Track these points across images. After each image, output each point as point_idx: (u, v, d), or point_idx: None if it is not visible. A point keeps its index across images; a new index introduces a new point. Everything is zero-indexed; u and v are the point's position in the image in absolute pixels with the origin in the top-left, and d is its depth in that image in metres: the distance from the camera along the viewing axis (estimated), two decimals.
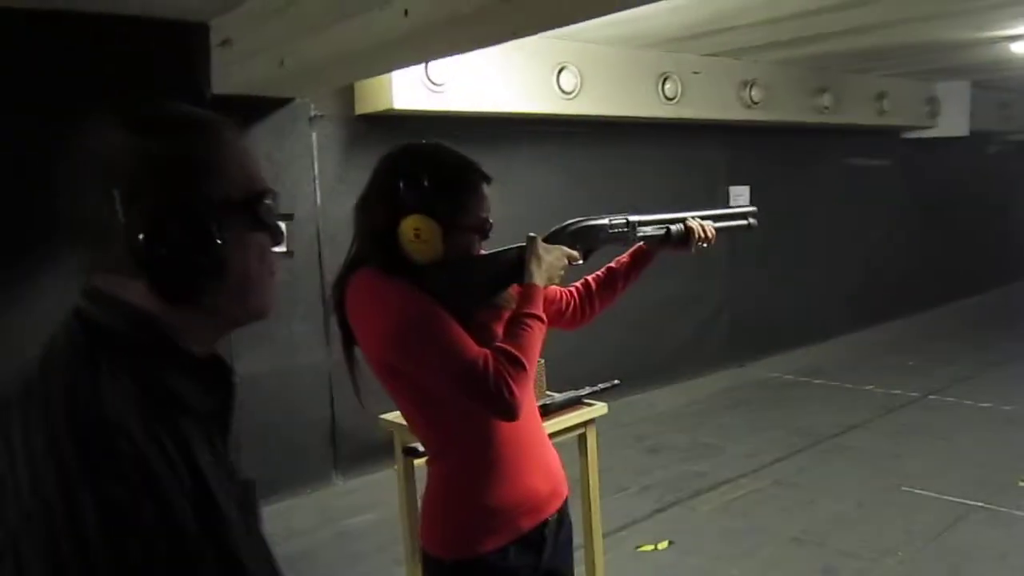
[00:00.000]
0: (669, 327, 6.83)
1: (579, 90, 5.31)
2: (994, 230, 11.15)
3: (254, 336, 4.58)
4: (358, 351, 1.68)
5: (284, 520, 4.42)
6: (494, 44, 3.72)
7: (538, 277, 1.69)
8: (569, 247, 1.79)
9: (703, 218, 1.99)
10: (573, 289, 2.02)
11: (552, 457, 1.84)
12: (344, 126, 4.91)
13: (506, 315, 1.69)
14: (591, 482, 2.92)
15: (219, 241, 0.88)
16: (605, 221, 1.87)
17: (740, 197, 7.16)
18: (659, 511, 4.30)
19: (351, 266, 1.66)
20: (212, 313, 0.93)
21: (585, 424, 2.87)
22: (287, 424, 4.72)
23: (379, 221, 1.61)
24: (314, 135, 4.80)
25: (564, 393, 2.85)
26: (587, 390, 2.88)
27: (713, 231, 2.00)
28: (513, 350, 1.56)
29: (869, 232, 8.84)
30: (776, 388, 6.74)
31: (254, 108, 4.50)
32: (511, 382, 1.52)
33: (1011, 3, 4.68)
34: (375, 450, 4.57)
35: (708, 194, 7.01)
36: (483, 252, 1.74)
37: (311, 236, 4.65)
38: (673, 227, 1.95)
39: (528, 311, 1.64)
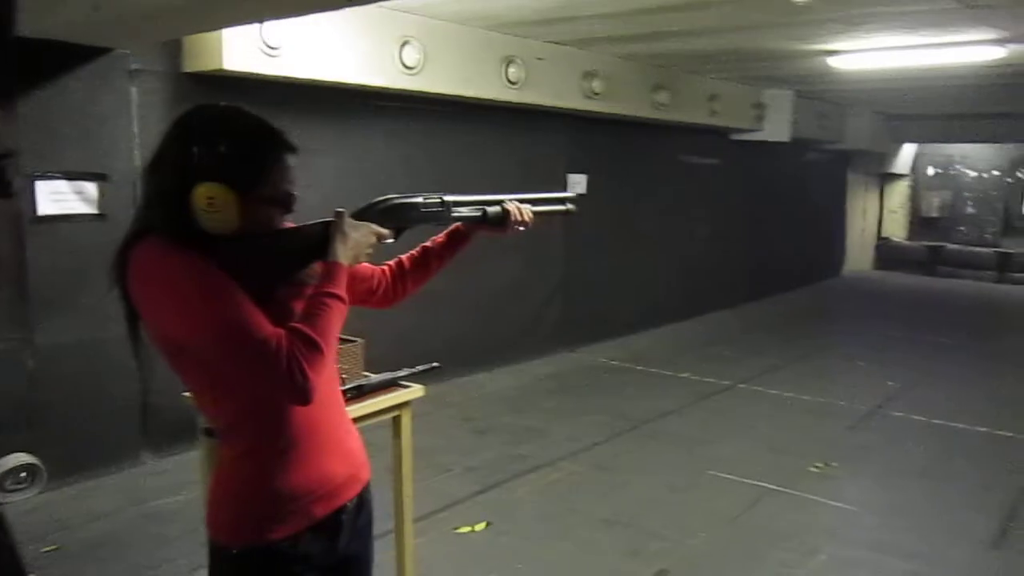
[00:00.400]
0: (503, 311, 6.91)
1: (422, 66, 5.23)
2: (809, 231, 12.01)
3: (58, 305, 4.26)
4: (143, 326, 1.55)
5: (85, 502, 4.17)
6: (328, 9, 3.59)
7: (342, 255, 1.60)
8: (380, 225, 1.72)
9: (521, 201, 1.96)
10: (386, 267, 1.96)
11: (353, 441, 1.77)
12: (169, 83, 4.61)
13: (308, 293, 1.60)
14: (404, 466, 2.88)
15: None
16: (419, 199, 1.80)
17: (578, 185, 7.32)
18: (480, 493, 4.32)
19: (135, 234, 1.51)
20: None
21: (400, 406, 2.82)
22: (92, 399, 4.42)
23: (169, 186, 1.48)
24: (134, 90, 4.49)
25: (381, 374, 2.79)
26: (404, 372, 2.83)
27: (531, 214, 1.96)
28: (309, 331, 1.47)
29: (697, 226, 9.29)
30: (603, 373, 6.95)
31: (67, 56, 4.15)
32: (304, 364, 1.44)
33: (829, 19, 5.00)
34: (189, 427, 4.35)
35: (547, 180, 7.10)
36: (288, 227, 1.64)
37: (127, 198, 4.33)
38: (490, 208, 1.90)
39: (328, 290, 1.55)
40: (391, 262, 1.97)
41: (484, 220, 1.91)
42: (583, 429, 5.37)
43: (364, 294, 1.90)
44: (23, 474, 4.13)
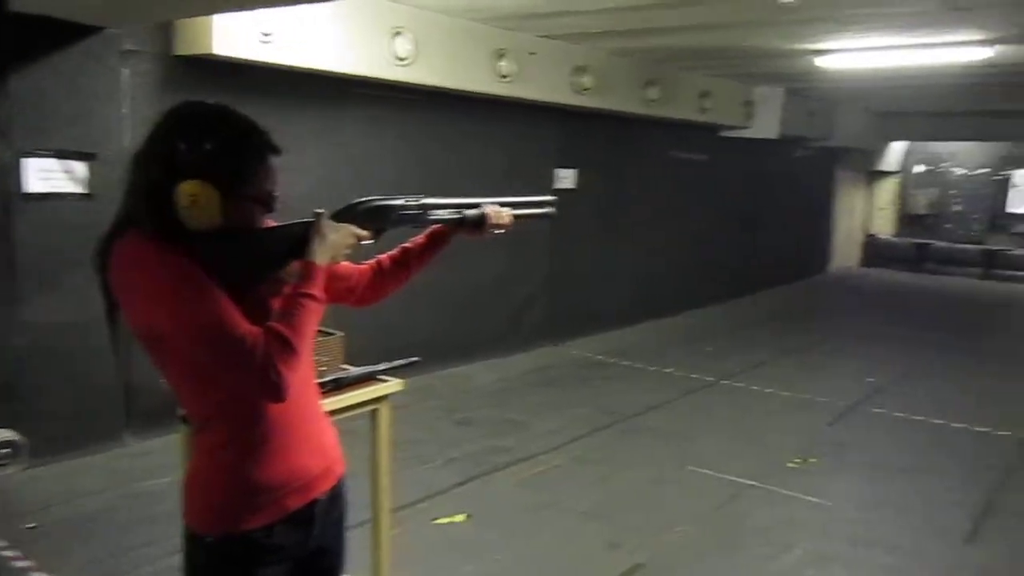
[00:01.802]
0: (488, 305, 6.94)
1: (414, 57, 5.23)
2: (797, 228, 12.06)
3: (46, 283, 4.27)
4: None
5: (68, 481, 4.18)
6: (318, 0, 3.59)
7: (320, 255, 1.63)
8: (359, 226, 1.74)
9: (501, 204, 1.97)
10: (366, 267, 1.98)
11: (328, 435, 1.81)
12: (161, 65, 4.62)
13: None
14: (381, 458, 2.91)
15: None
16: (399, 201, 1.83)
17: (566, 179, 7.34)
18: (460, 484, 4.36)
19: (118, 226, 1.54)
20: None
21: (379, 400, 2.84)
22: (77, 379, 4.44)
23: (153, 181, 1.50)
24: (125, 71, 4.49)
25: (360, 368, 2.81)
26: (384, 365, 2.85)
27: (510, 218, 1.98)
28: (284, 330, 1.50)
29: (685, 222, 9.32)
30: (587, 368, 6.99)
31: (59, 33, 4.15)
32: (279, 363, 1.47)
33: (817, 19, 5.04)
34: (172, 411, 4.35)
35: (536, 174, 7.14)
36: (269, 226, 1.67)
37: (115, 178, 4.30)
38: (468, 211, 1.92)
39: (304, 290, 1.58)
40: (371, 261, 1.99)
41: (462, 222, 1.93)
42: (566, 423, 5.41)
43: (343, 293, 1.92)
44: (6, 449, 4.14)
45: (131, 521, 3.77)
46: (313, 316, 1.57)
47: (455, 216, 1.92)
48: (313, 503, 1.71)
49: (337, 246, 1.67)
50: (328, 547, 1.81)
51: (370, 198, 1.80)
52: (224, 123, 1.57)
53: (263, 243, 1.63)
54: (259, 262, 1.61)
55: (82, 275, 4.40)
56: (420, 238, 2.00)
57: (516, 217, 2.01)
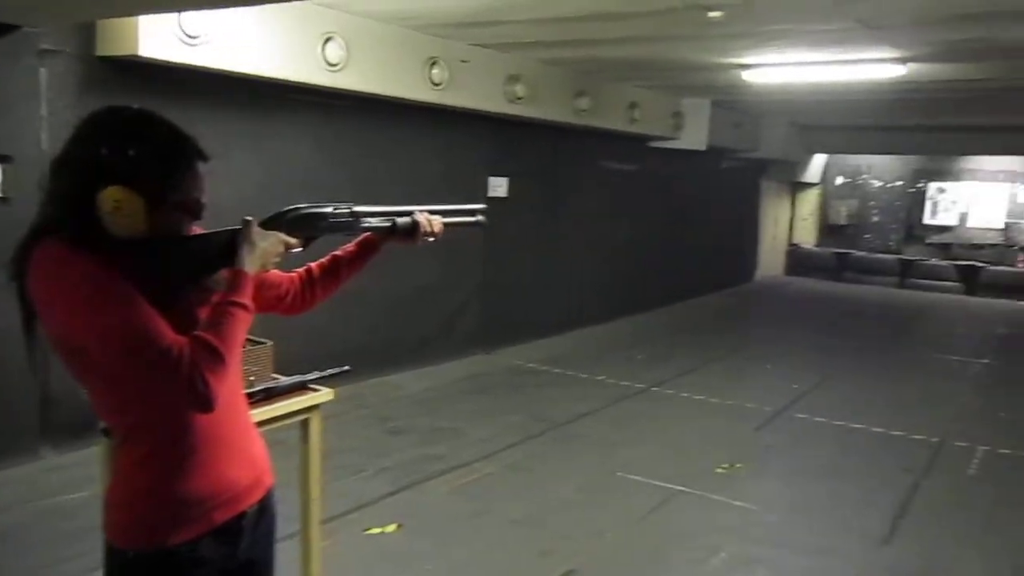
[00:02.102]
0: (421, 312, 6.91)
1: (345, 63, 5.19)
2: (724, 237, 12.34)
3: None
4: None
5: None
6: (247, 4, 3.54)
7: (249, 263, 1.60)
8: (288, 234, 1.72)
9: (432, 212, 1.98)
10: (295, 275, 1.96)
11: (257, 446, 1.78)
12: (81, 66, 4.49)
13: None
14: (312, 469, 2.87)
15: None
16: (328, 209, 1.82)
17: (499, 188, 7.38)
18: (392, 494, 4.32)
19: (37, 233, 1.49)
20: None
21: (309, 410, 2.81)
22: None
23: (75, 187, 1.46)
24: (43, 71, 4.34)
25: (291, 377, 2.78)
26: (315, 375, 2.82)
27: (440, 226, 1.99)
28: (212, 339, 1.48)
29: (617, 231, 9.45)
30: (519, 375, 7.02)
31: None
32: (206, 373, 1.44)
33: (744, 34, 5.18)
34: (91, 423, 4.22)
35: (468, 182, 7.16)
36: (196, 234, 1.64)
37: (31, 182, 4.15)
38: (399, 219, 1.93)
39: (233, 299, 1.55)
40: (300, 269, 1.97)
41: (393, 230, 1.93)
42: (498, 430, 5.42)
43: (273, 301, 1.90)
44: None
45: (48, 537, 3.63)
46: (242, 325, 1.55)
47: (386, 224, 1.92)
48: (241, 516, 1.68)
49: (266, 254, 1.65)
50: (257, 560, 1.79)
51: (299, 206, 1.78)
52: (149, 128, 1.54)
53: (189, 251, 1.60)
54: (185, 270, 1.58)
55: None
56: (350, 246, 1.99)
57: (447, 225, 2.02)
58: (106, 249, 1.46)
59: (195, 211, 1.59)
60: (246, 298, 1.57)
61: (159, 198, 1.50)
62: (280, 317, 1.97)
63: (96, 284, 1.43)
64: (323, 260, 1.98)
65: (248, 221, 1.65)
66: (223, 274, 1.62)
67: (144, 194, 1.47)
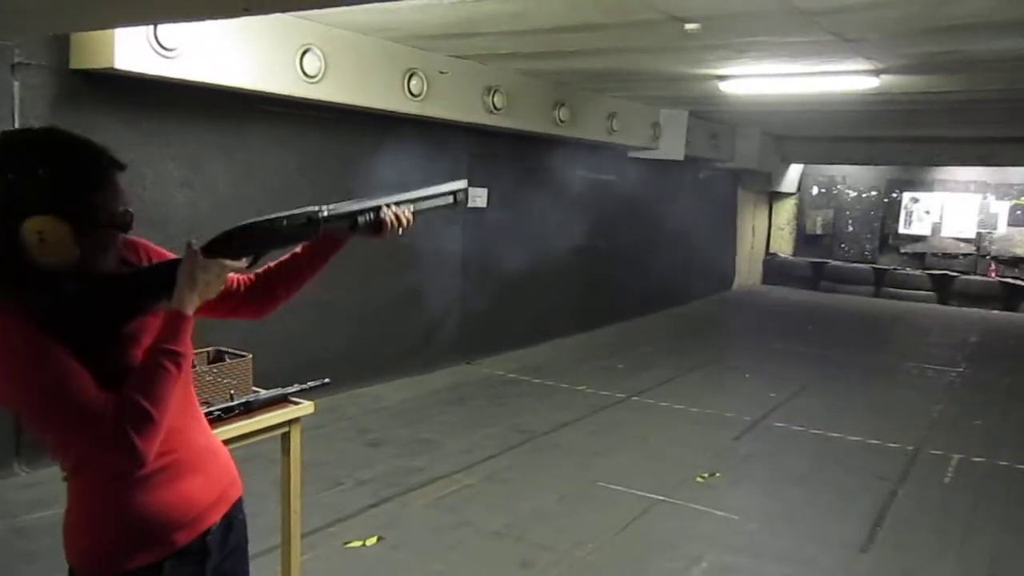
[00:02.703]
0: (399, 323, 6.89)
1: (323, 75, 5.18)
2: (702, 246, 12.41)
3: None
4: None
5: None
6: (224, 16, 3.51)
7: (187, 301, 1.51)
8: (237, 254, 1.62)
9: (405, 201, 1.86)
10: (253, 276, 1.85)
11: (219, 460, 1.73)
12: (56, 79, 4.45)
13: (155, 324, 1.53)
14: (292, 482, 2.85)
15: None
16: (283, 222, 1.68)
17: (478, 198, 7.39)
18: (372, 506, 4.30)
19: None
20: None
21: (290, 423, 2.79)
22: None
23: None
24: (16, 84, 4.30)
25: (270, 390, 2.76)
26: (295, 388, 2.80)
27: (409, 216, 1.85)
28: (141, 399, 1.41)
29: (595, 241, 9.48)
30: (499, 386, 7.01)
31: None
32: (133, 435, 1.39)
33: (720, 46, 5.23)
34: None
35: None
36: (132, 270, 1.58)
37: None
38: (360, 219, 1.78)
39: (168, 347, 1.48)
40: (258, 270, 1.86)
41: (355, 229, 1.80)
42: (478, 442, 5.41)
43: (232, 307, 1.81)
44: None
45: (15, 556, 3.57)
46: (174, 379, 1.48)
47: (346, 224, 1.78)
48: (205, 534, 1.64)
49: (209, 286, 1.56)
50: (229, 574, 1.76)
51: (250, 221, 1.66)
52: (56, 148, 1.45)
53: (125, 288, 1.53)
54: (120, 312, 1.51)
55: None
56: (308, 243, 1.84)
57: (419, 212, 1.90)
58: (30, 295, 1.39)
59: (123, 224, 1.52)
60: (182, 345, 1.50)
61: (84, 220, 1.42)
62: (255, 324, 1.90)
63: (11, 343, 1.38)
64: (283, 259, 1.85)
65: (192, 251, 1.55)
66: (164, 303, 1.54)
67: (68, 218, 1.39)
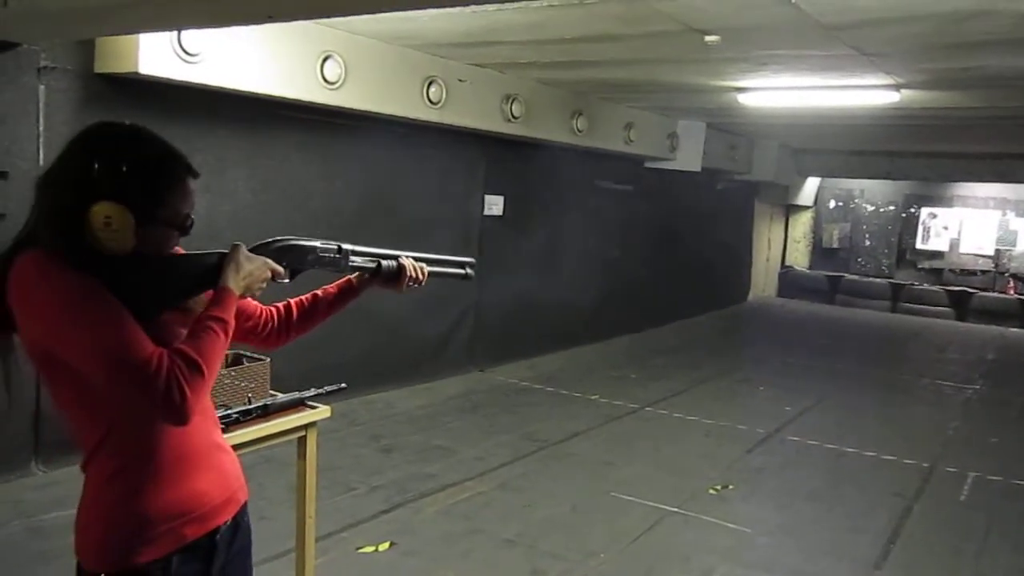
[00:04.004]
0: (414, 329, 6.90)
1: (343, 81, 5.22)
2: (717, 258, 12.38)
3: None
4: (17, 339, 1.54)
5: None
6: (248, 24, 3.56)
7: (233, 282, 1.62)
8: (277, 259, 1.74)
9: (420, 259, 1.99)
10: (273, 309, 1.95)
11: (229, 462, 1.77)
12: (81, 83, 4.49)
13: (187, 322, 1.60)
14: (308, 486, 2.87)
15: None
16: (316, 244, 1.83)
17: (494, 206, 7.40)
18: (385, 512, 4.31)
19: (19, 245, 1.50)
20: None
21: (306, 427, 2.81)
22: None
23: (65, 202, 1.47)
24: (42, 88, 4.35)
25: (287, 394, 2.78)
26: (312, 392, 2.82)
27: (425, 273, 2.00)
28: (192, 352, 1.48)
29: (610, 251, 9.48)
30: (512, 394, 7.01)
31: None
32: (184, 385, 1.44)
33: (739, 59, 5.23)
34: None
35: (465, 200, 7.19)
36: (182, 252, 1.66)
37: (28, 197, 4.17)
38: (384, 262, 1.92)
39: (216, 314, 1.56)
40: (280, 304, 1.96)
41: (378, 273, 1.93)
42: (490, 449, 5.41)
43: (247, 332, 1.90)
44: None
45: (30, 557, 3.59)
46: (222, 342, 1.55)
47: (371, 265, 1.91)
48: (215, 532, 1.67)
49: (253, 277, 1.67)
50: None
51: (287, 237, 1.80)
52: (140, 144, 1.56)
53: (176, 269, 1.61)
54: (172, 289, 1.59)
55: None
56: (331, 288, 1.99)
57: (433, 274, 2.03)
58: (90, 264, 1.46)
59: (184, 227, 1.60)
60: (229, 315, 1.58)
61: (149, 214, 1.51)
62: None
63: (76, 292, 1.44)
64: (303, 298, 1.97)
65: (237, 245, 1.67)
66: (207, 296, 1.63)
67: (134, 210, 1.48)
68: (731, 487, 4.99)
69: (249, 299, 1.77)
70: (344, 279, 1.98)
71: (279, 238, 1.79)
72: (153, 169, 1.53)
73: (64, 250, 1.45)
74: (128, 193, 1.48)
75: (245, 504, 1.80)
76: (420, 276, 1.98)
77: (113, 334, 1.43)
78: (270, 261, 1.72)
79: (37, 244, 1.47)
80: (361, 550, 3.84)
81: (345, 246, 1.87)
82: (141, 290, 1.51)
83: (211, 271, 1.62)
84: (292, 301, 1.97)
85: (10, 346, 1.54)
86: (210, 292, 1.62)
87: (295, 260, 1.79)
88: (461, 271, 2.16)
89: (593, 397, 6.99)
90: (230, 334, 1.58)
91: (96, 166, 1.47)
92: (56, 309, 1.44)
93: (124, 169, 1.48)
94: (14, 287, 1.47)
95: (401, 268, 1.94)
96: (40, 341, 1.48)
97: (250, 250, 1.71)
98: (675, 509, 4.54)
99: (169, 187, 1.55)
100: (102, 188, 1.46)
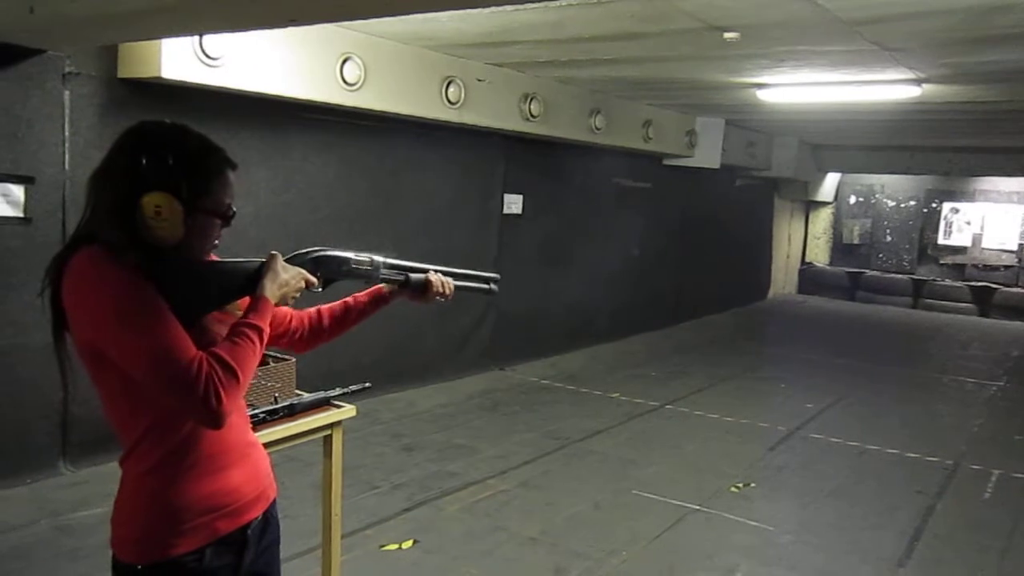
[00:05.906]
0: (434, 328, 6.94)
1: (362, 83, 5.25)
2: (737, 255, 12.33)
3: None
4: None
5: None
6: (269, 27, 3.60)
7: (270, 290, 1.70)
8: (310, 272, 1.82)
9: (447, 274, 2.07)
10: (305, 315, 2.03)
11: (260, 459, 1.83)
12: (104, 88, 4.55)
13: (230, 322, 1.67)
14: (333, 484, 2.89)
15: None
16: (350, 255, 1.92)
17: (514, 205, 7.42)
18: (408, 510, 4.34)
19: (75, 242, 1.57)
20: None
21: (332, 426, 2.84)
22: (8, 406, 4.29)
23: (118, 196, 1.55)
24: (67, 93, 4.41)
25: (313, 393, 2.81)
26: (337, 391, 2.85)
27: (452, 287, 2.07)
28: (229, 359, 1.54)
29: (630, 248, 9.47)
30: (533, 392, 7.03)
31: None
32: (221, 390, 1.50)
33: (758, 55, 5.21)
34: (110, 438, 4.26)
35: (484, 199, 7.21)
36: (224, 260, 1.73)
37: (55, 202, 4.26)
38: (413, 276, 2.01)
39: (252, 321, 1.63)
40: (311, 310, 2.05)
41: (406, 285, 2.01)
42: (512, 447, 5.43)
43: (278, 336, 1.98)
44: None
45: (61, 555, 3.64)
46: (257, 349, 1.62)
47: (399, 278, 2.00)
48: (246, 527, 1.73)
49: (287, 286, 1.75)
50: (262, 573, 1.82)
51: (323, 248, 1.89)
52: (184, 139, 1.64)
53: (218, 274, 1.69)
54: (212, 292, 1.66)
55: (18, 300, 4.33)
56: (363, 297, 2.08)
57: (459, 288, 2.11)
58: (143, 254, 1.53)
59: (226, 216, 1.68)
60: (264, 323, 1.65)
61: (195, 204, 1.59)
62: None
63: (129, 290, 1.50)
64: (334, 305, 2.06)
65: (274, 255, 1.75)
66: (242, 302, 1.70)
67: (181, 200, 1.56)
68: (753, 485, 4.98)
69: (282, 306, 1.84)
70: (375, 288, 2.06)
71: (314, 249, 1.86)
72: (197, 161, 1.61)
73: (118, 241, 1.52)
74: (175, 184, 1.55)
75: (275, 500, 1.85)
76: (447, 291, 2.06)
77: (160, 336, 1.49)
78: (304, 271, 1.80)
79: (92, 240, 1.54)
80: (384, 548, 3.88)
81: (377, 258, 1.96)
82: (185, 291, 1.58)
83: (251, 278, 1.70)
84: (323, 308, 2.06)
85: (65, 341, 1.61)
86: (246, 299, 1.69)
87: (329, 270, 1.88)
88: (486, 286, 2.23)
89: (614, 395, 6.99)
90: (265, 341, 1.65)
91: (144, 160, 1.55)
92: (106, 305, 1.50)
93: (170, 162, 1.56)
94: (69, 283, 1.53)
95: (428, 282, 2.02)
96: (91, 339, 1.54)
97: (286, 259, 1.79)
98: (697, 507, 4.54)
99: (212, 178, 1.63)
100: (151, 180, 1.54)
